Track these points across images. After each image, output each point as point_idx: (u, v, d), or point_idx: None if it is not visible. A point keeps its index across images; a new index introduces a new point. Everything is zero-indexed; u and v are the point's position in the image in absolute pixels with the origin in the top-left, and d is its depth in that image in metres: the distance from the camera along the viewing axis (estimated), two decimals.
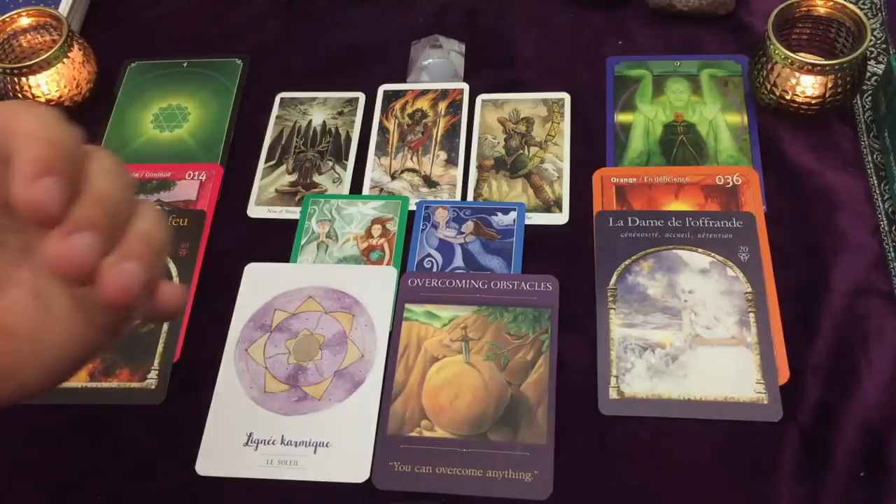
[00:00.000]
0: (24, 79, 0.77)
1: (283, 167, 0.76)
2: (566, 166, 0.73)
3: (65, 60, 0.78)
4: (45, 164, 0.30)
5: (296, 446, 0.61)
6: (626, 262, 0.66)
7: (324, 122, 0.79)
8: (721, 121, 0.73)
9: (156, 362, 0.66)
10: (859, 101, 0.73)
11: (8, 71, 0.76)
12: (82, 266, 0.30)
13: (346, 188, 0.74)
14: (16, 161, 0.30)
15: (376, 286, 0.67)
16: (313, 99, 0.81)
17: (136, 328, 0.67)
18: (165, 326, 0.67)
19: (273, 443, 0.61)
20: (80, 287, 0.31)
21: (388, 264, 0.69)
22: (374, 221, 0.72)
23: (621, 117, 0.75)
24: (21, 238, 0.34)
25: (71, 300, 0.34)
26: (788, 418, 0.58)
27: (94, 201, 0.31)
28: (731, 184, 0.69)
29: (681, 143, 0.73)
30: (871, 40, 0.68)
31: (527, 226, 0.70)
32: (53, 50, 0.77)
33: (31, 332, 0.34)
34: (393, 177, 0.75)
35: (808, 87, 0.68)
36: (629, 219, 0.68)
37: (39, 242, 0.32)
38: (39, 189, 0.29)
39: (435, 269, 0.68)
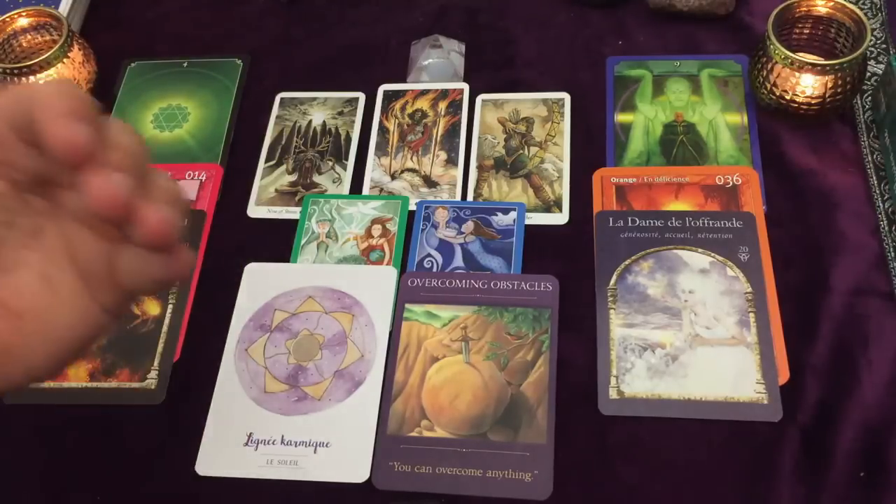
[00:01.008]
0: (24, 79, 0.77)
1: (283, 167, 0.76)
2: (566, 166, 0.73)
3: (65, 60, 0.78)
4: (74, 111, 0.31)
5: (296, 446, 0.61)
6: (626, 262, 0.66)
7: (324, 122, 0.79)
8: (721, 121, 0.73)
9: (156, 362, 0.66)
10: (859, 101, 0.73)
11: (8, 71, 0.76)
12: (122, 201, 0.32)
13: (346, 188, 0.74)
14: (44, 115, 0.31)
15: (376, 286, 0.67)
16: (313, 99, 0.81)
17: (136, 328, 0.67)
18: (165, 326, 0.67)
19: (273, 443, 0.61)
20: (118, 225, 0.33)
21: (388, 264, 0.69)
22: (374, 221, 0.72)
23: (621, 117, 0.75)
24: (31, 221, 0.35)
25: (78, 282, 0.34)
26: (788, 418, 0.58)
27: (120, 150, 0.33)
28: (731, 184, 0.69)
29: (681, 143, 0.73)
30: (871, 40, 0.68)
31: (527, 226, 0.70)
32: (53, 50, 0.77)
33: (38, 314, 0.34)
34: (393, 177, 0.75)
35: (808, 87, 0.68)
36: (629, 219, 0.68)
37: (48, 224, 0.34)
38: (72, 128, 0.31)
39: (435, 269, 0.68)
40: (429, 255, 0.69)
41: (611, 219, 0.68)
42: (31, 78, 0.77)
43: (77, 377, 0.65)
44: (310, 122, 0.79)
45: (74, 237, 0.35)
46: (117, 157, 0.33)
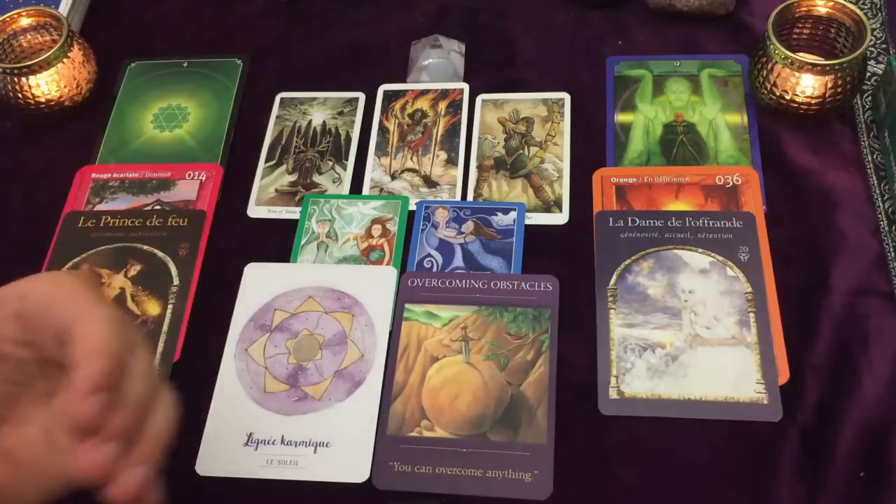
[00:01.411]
0: (24, 79, 0.77)
1: (283, 167, 0.76)
2: (566, 166, 0.73)
3: (65, 60, 0.78)
4: (101, 381, 0.35)
5: (296, 446, 0.61)
6: (626, 262, 0.66)
7: (324, 122, 0.79)
8: (721, 121, 0.73)
9: (156, 362, 0.66)
10: (859, 101, 0.73)
11: (8, 71, 0.76)
12: (106, 472, 0.36)
13: (346, 188, 0.75)
14: (77, 372, 0.36)
15: (376, 286, 0.67)
16: (313, 99, 0.81)
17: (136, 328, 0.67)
18: (165, 326, 0.67)
19: (273, 443, 0.61)
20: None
21: (388, 264, 0.69)
22: (374, 221, 0.72)
23: (621, 117, 0.75)
24: (46, 383, 0.40)
25: (75, 440, 0.38)
26: (788, 418, 0.58)
27: (129, 411, 0.37)
28: (731, 184, 0.69)
29: (681, 143, 0.73)
30: (871, 40, 0.68)
31: (527, 226, 0.70)
32: (53, 50, 0.77)
33: (36, 464, 0.38)
34: (393, 177, 0.75)
35: (808, 87, 0.68)
36: (629, 219, 0.68)
37: (60, 390, 0.39)
38: (90, 406, 0.35)
39: (435, 269, 0.68)
40: (429, 255, 0.69)
41: (611, 219, 0.68)
42: (32, 78, 0.77)
43: None
44: (310, 122, 0.79)
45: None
46: (122, 422, 0.36)
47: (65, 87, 0.79)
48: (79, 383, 0.35)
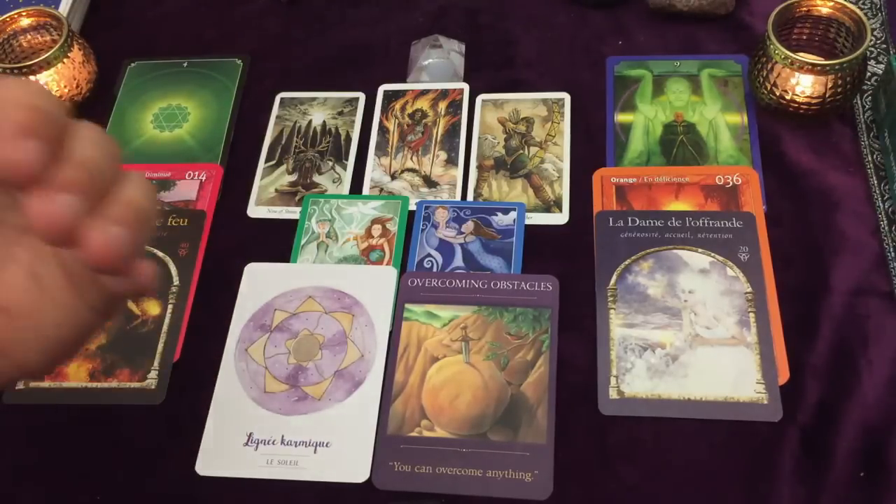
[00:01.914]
0: (24, 79, 0.77)
1: (283, 167, 0.76)
2: (566, 166, 0.73)
3: (65, 60, 0.78)
4: (27, 127, 0.30)
5: (296, 446, 0.61)
6: (626, 262, 0.66)
7: (324, 122, 0.79)
8: (721, 121, 0.73)
9: (156, 362, 0.66)
10: (859, 101, 0.73)
11: (8, 71, 0.76)
12: (63, 225, 0.30)
13: (346, 188, 0.74)
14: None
15: (376, 286, 0.67)
16: (313, 99, 0.81)
17: (136, 328, 0.67)
18: (165, 326, 0.67)
19: (273, 443, 0.61)
20: (64, 248, 0.31)
21: (388, 264, 0.69)
22: (374, 221, 0.72)
23: (621, 117, 0.75)
24: (20, 216, 0.34)
25: (66, 280, 0.34)
26: (788, 418, 0.58)
27: (75, 165, 0.31)
28: (731, 184, 0.69)
29: (681, 143, 0.73)
30: (871, 40, 0.67)
31: (527, 226, 0.70)
32: (53, 50, 0.77)
33: (27, 311, 0.34)
34: (393, 177, 0.75)
35: (808, 87, 0.68)
36: (629, 219, 0.68)
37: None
38: (19, 149, 0.29)
39: (435, 269, 0.68)
40: (429, 255, 0.69)
41: (611, 219, 0.68)
42: (32, 78, 0.77)
43: (77, 377, 0.65)
44: (310, 122, 0.79)
45: None
46: (69, 173, 0.31)
47: (65, 87, 0.79)
48: (2, 129, 0.29)
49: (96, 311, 0.35)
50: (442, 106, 0.78)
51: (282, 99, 0.81)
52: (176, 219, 0.73)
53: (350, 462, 0.60)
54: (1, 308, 0.34)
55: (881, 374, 0.59)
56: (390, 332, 0.65)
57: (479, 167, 0.74)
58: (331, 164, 0.76)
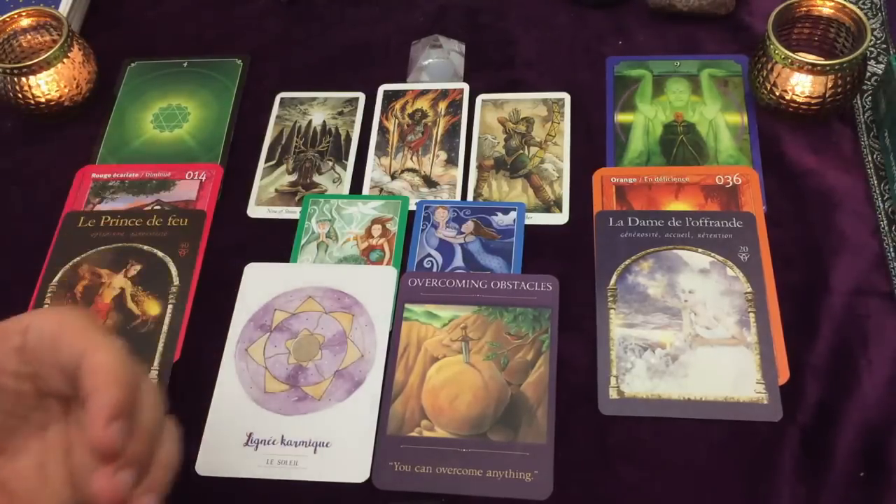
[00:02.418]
0: (24, 79, 0.77)
1: (283, 167, 0.76)
2: (566, 166, 0.73)
3: (65, 60, 0.78)
4: (120, 409, 0.36)
5: (296, 446, 0.61)
6: (626, 262, 0.66)
7: (324, 122, 0.79)
8: (721, 121, 0.73)
9: (156, 362, 0.66)
10: (859, 101, 0.73)
11: (8, 71, 0.76)
12: (120, 499, 0.37)
13: (346, 188, 0.74)
14: (94, 401, 0.36)
15: (376, 286, 0.67)
16: (313, 99, 0.81)
17: (136, 328, 0.67)
18: (165, 326, 0.67)
19: (273, 443, 0.61)
20: None
21: (388, 264, 0.69)
22: (374, 221, 0.72)
23: (621, 117, 0.75)
24: (41, 416, 0.41)
25: (66, 476, 0.40)
26: (788, 418, 0.58)
27: (142, 439, 0.38)
28: (731, 184, 0.69)
29: (681, 143, 0.73)
30: (871, 40, 0.68)
31: (527, 226, 0.70)
32: (53, 50, 0.77)
33: (28, 496, 0.39)
34: (393, 177, 0.75)
35: (808, 87, 0.68)
36: (629, 219, 0.68)
37: (56, 424, 0.41)
38: (112, 433, 0.36)
39: (435, 269, 0.68)
40: (429, 255, 0.69)
41: (611, 219, 0.68)
42: (32, 78, 0.77)
43: None
44: (310, 122, 0.79)
45: (75, 440, 0.40)
46: (136, 448, 0.37)
47: (65, 87, 0.79)
48: (98, 411, 0.36)
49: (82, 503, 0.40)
50: (442, 106, 0.78)
51: (282, 99, 0.81)
52: (176, 219, 0.73)
53: (350, 462, 0.60)
54: (6, 490, 0.39)
55: (881, 374, 0.59)
56: (390, 332, 0.65)
57: (479, 167, 0.74)
58: (331, 164, 0.76)
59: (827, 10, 0.70)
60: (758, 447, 0.58)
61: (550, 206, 0.71)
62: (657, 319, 0.63)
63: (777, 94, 0.69)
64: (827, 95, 0.68)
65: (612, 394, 0.60)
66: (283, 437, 0.61)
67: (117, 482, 0.36)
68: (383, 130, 0.78)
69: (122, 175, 0.77)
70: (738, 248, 0.65)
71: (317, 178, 0.75)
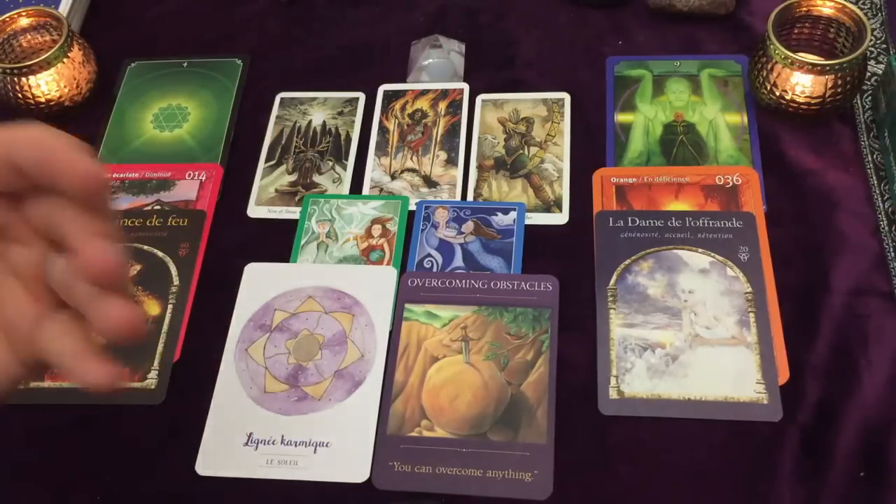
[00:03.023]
0: (24, 79, 0.77)
1: (283, 167, 0.76)
2: (566, 166, 0.73)
3: (65, 60, 0.78)
4: (83, 150, 0.33)
5: (296, 446, 0.61)
6: (626, 262, 0.66)
7: (324, 122, 0.79)
8: (721, 121, 0.73)
9: (156, 362, 0.66)
10: (859, 101, 0.73)
11: (8, 71, 0.76)
12: (113, 271, 0.34)
13: (346, 188, 0.74)
14: (55, 156, 0.33)
15: (376, 286, 0.67)
16: (313, 99, 0.81)
17: None
18: (165, 326, 0.67)
19: (273, 443, 0.61)
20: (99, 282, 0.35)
21: (388, 264, 0.69)
22: (374, 221, 0.72)
23: (621, 117, 0.75)
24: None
25: (2, 334, 0.36)
26: (788, 418, 0.58)
27: (110, 217, 0.35)
28: (731, 184, 0.69)
29: (681, 143, 0.73)
30: (871, 40, 0.68)
31: (527, 226, 0.70)
32: (53, 50, 0.77)
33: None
34: (393, 177, 0.75)
35: (808, 87, 0.68)
36: (629, 219, 0.68)
37: (8, 251, 0.36)
38: (89, 162, 0.33)
39: (435, 269, 0.68)
40: (429, 255, 0.69)
41: (611, 219, 0.68)
42: (32, 78, 0.77)
43: None
44: (310, 122, 0.79)
45: (8, 292, 0.36)
46: (112, 227, 0.35)
47: (65, 87, 0.79)
48: (61, 155, 0.33)
49: (26, 365, 0.37)
50: (442, 106, 0.78)
51: (282, 99, 0.81)
52: (176, 219, 0.73)
53: (350, 462, 0.60)
54: None
55: (881, 374, 0.59)
56: (390, 332, 0.65)
57: (479, 167, 0.74)
58: (331, 164, 0.76)
59: (827, 10, 0.70)
60: (758, 447, 0.58)
61: (550, 206, 0.71)
62: (657, 319, 0.63)
63: (777, 94, 0.69)
64: (827, 95, 0.68)
65: (612, 394, 0.60)
66: (283, 436, 0.61)
67: (109, 253, 0.34)
68: (383, 130, 0.78)
69: (122, 175, 0.77)
70: (738, 248, 0.65)
71: (317, 178, 0.75)
